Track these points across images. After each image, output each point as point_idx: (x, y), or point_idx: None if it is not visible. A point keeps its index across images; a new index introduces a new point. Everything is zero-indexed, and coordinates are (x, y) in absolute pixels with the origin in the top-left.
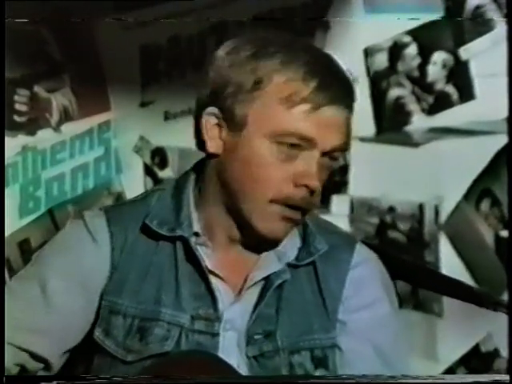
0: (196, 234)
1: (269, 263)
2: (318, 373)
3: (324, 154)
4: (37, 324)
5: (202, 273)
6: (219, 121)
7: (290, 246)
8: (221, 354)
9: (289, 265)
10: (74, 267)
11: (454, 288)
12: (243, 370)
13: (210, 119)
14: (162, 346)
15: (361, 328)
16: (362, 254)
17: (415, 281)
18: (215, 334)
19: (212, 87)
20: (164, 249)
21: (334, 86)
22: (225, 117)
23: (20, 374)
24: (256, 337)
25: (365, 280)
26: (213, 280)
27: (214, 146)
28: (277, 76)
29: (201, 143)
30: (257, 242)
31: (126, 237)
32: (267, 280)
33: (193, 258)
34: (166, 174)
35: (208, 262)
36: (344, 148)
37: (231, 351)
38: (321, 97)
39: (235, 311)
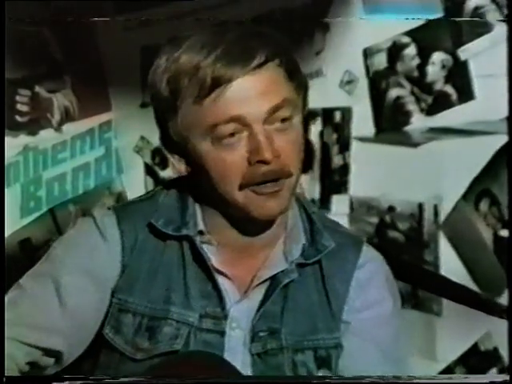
0: (201, 233)
1: (276, 262)
2: (320, 373)
3: (267, 122)
4: (51, 322)
5: (208, 271)
6: (167, 147)
7: (295, 243)
8: (227, 353)
9: (296, 264)
10: (86, 265)
11: (452, 290)
12: (247, 368)
13: (163, 149)
14: (172, 344)
15: (364, 327)
16: (368, 255)
17: (414, 281)
18: (222, 333)
19: (154, 115)
20: (171, 248)
21: (236, 52)
22: (168, 142)
23: (31, 372)
24: (260, 334)
25: (370, 281)
26: (219, 278)
27: (181, 168)
28: (183, 77)
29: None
30: (253, 225)
31: (136, 236)
32: (274, 279)
33: (199, 257)
34: (166, 173)
35: (214, 261)
36: (290, 102)
37: (237, 350)
38: (226, 72)
39: (241, 309)
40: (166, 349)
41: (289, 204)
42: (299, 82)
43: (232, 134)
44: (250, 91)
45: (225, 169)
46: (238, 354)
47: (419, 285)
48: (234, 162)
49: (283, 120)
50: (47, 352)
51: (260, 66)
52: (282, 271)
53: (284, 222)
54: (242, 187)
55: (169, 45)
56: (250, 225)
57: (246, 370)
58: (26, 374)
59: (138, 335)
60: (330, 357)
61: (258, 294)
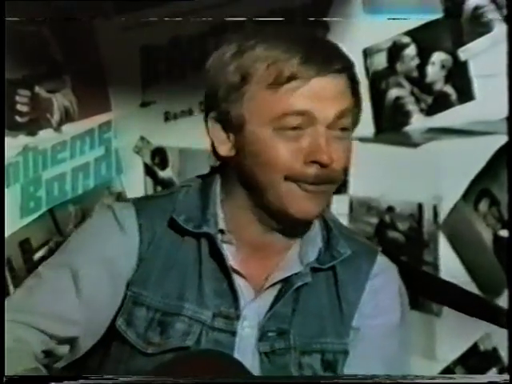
0: (221, 232)
1: (291, 264)
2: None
3: (330, 126)
4: (67, 311)
5: (225, 270)
6: (221, 125)
7: (312, 246)
8: (237, 353)
9: (311, 268)
10: (103, 255)
11: (453, 296)
12: (254, 367)
13: (213, 124)
14: (183, 340)
15: (371, 335)
16: (382, 265)
17: (414, 286)
18: (234, 333)
19: (207, 93)
20: (189, 245)
21: (319, 56)
22: (224, 120)
23: (45, 359)
24: (269, 333)
25: (382, 290)
26: (236, 278)
27: (224, 149)
28: (259, 64)
29: (214, 148)
30: (290, 226)
31: (154, 230)
32: (287, 281)
33: (217, 255)
34: (166, 174)
35: (232, 260)
36: (350, 114)
37: (247, 350)
38: (307, 70)
39: (253, 309)
40: (177, 344)
41: (325, 208)
42: (358, 100)
43: (295, 128)
44: (324, 92)
45: (277, 157)
46: (248, 354)
47: (419, 290)
48: (290, 154)
49: (342, 129)
50: (62, 341)
51: (337, 71)
52: (296, 274)
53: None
54: (287, 179)
55: (236, 34)
56: (284, 222)
57: (254, 369)
58: (42, 364)
59: (150, 329)
60: (337, 361)
61: (270, 295)
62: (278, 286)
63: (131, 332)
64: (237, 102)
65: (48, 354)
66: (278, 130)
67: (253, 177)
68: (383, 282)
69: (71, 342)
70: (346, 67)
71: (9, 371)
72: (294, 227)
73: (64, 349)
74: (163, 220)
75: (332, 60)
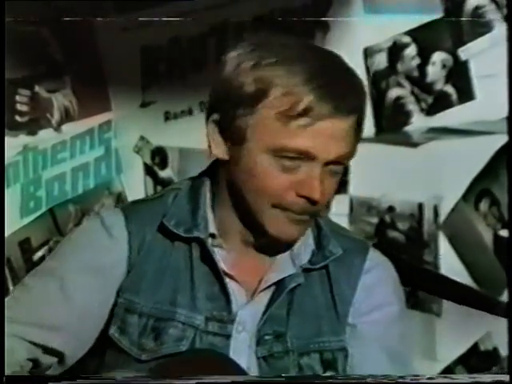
0: (212, 236)
1: (283, 266)
2: (326, 375)
3: (328, 163)
4: (54, 319)
5: (217, 274)
6: (221, 129)
7: (304, 248)
8: (232, 356)
9: (303, 269)
10: (91, 263)
11: (453, 290)
12: (253, 371)
13: (213, 126)
14: (177, 346)
15: (369, 329)
16: (375, 260)
17: (414, 283)
18: (228, 336)
19: (216, 94)
20: (180, 249)
21: (335, 97)
22: (226, 126)
23: (33, 369)
24: (266, 337)
25: (376, 285)
26: (228, 282)
27: (219, 152)
28: (275, 89)
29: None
30: (270, 245)
31: (144, 236)
32: (281, 283)
33: (208, 260)
34: (166, 173)
35: (223, 264)
36: (349, 156)
37: (242, 353)
38: (320, 110)
39: (247, 313)
40: (171, 350)
41: (304, 234)
42: (359, 137)
43: (293, 159)
44: (330, 132)
45: (270, 185)
46: (243, 357)
47: (419, 286)
48: (283, 184)
49: (338, 164)
50: (48, 350)
51: (348, 113)
52: (289, 275)
53: None
54: (274, 206)
55: (258, 45)
56: (266, 243)
57: (252, 373)
58: (28, 372)
59: (143, 336)
60: (336, 359)
61: (264, 298)
62: (272, 289)
63: (125, 340)
64: (245, 116)
65: (35, 362)
66: (276, 158)
67: (241, 194)
68: (376, 276)
69: (58, 352)
70: (359, 107)
71: None
72: (271, 246)
73: (51, 359)
74: (153, 225)
75: (347, 99)
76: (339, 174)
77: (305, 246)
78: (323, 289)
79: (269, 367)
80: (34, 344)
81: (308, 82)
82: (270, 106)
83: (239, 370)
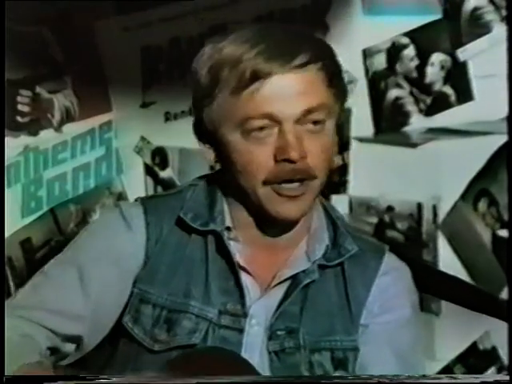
0: (228, 229)
1: (298, 262)
2: (336, 374)
3: (299, 122)
4: (73, 308)
5: (232, 268)
6: (199, 133)
7: (319, 243)
8: (244, 350)
9: (318, 265)
10: (110, 253)
11: (453, 289)
12: (264, 365)
13: (194, 132)
14: (190, 338)
15: (381, 331)
16: (391, 263)
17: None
18: (241, 330)
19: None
20: (196, 242)
21: (281, 54)
22: (200, 128)
23: (51, 356)
24: (278, 332)
25: (390, 287)
26: (242, 275)
27: (208, 156)
28: (223, 70)
29: None
30: (274, 226)
31: (162, 228)
32: (295, 278)
33: (224, 253)
34: (166, 174)
35: (239, 257)
36: (324, 108)
37: (255, 347)
38: (267, 70)
39: (261, 307)
40: (183, 342)
41: (309, 208)
42: (339, 88)
43: (262, 129)
44: (288, 90)
45: (251, 162)
46: (255, 352)
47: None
48: (261, 156)
49: (315, 122)
50: (68, 338)
51: (301, 66)
52: (304, 271)
53: (308, 224)
54: (265, 183)
55: (216, 35)
56: (270, 225)
57: (264, 368)
58: (48, 360)
59: (156, 326)
60: (347, 358)
61: (278, 293)
62: (286, 284)
63: (138, 329)
64: (208, 107)
65: (54, 350)
66: (246, 133)
67: (235, 184)
68: (391, 280)
69: (77, 338)
70: (317, 57)
71: (13, 365)
72: (283, 229)
73: (70, 346)
74: (171, 218)
75: (294, 52)
76: (322, 132)
77: (320, 242)
78: (338, 287)
79: (280, 362)
80: (53, 331)
81: (250, 49)
82: (223, 87)
83: (249, 368)
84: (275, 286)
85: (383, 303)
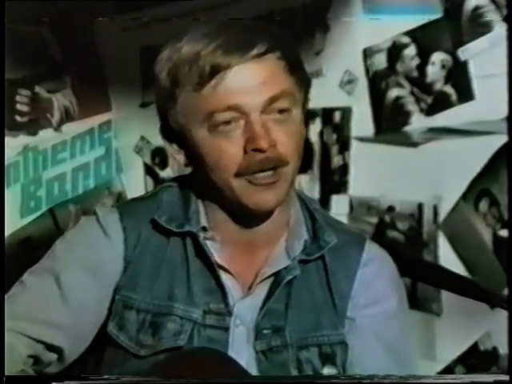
0: (204, 229)
1: (278, 259)
2: (325, 369)
3: (265, 111)
4: (52, 317)
5: (211, 268)
6: (165, 134)
7: (297, 238)
8: (231, 350)
9: (299, 260)
10: (87, 261)
11: (453, 282)
12: (252, 365)
13: (164, 142)
14: (176, 340)
15: (368, 324)
16: (372, 252)
17: (415, 275)
18: (226, 329)
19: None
20: (175, 244)
21: (239, 46)
22: (166, 130)
23: (35, 367)
24: (265, 331)
25: (374, 278)
26: (222, 275)
27: (181, 158)
28: (182, 69)
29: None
30: (251, 218)
31: (139, 232)
32: (277, 276)
33: (202, 253)
34: (166, 173)
35: (217, 257)
36: (287, 95)
37: (241, 346)
38: (226, 62)
39: (245, 306)
40: (169, 345)
41: (285, 196)
42: (300, 76)
43: (228, 122)
44: (249, 80)
45: (220, 156)
46: (242, 351)
47: (420, 278)
48: (230, 149)
49: (281, 111)
50: (48, 347)
51: (259, 55)
52: (285, 268)
53: (286, 220)
54: (238, 175)
55: (172, 38)
56: (247, 217)
57: (251, 367)
58: (29, 368)
59: (141, 332)
60: (335, 353)
61: (261, 291)
62: (269, 282)
63: (123, 336)
64: (173, 109)
65: (36, 359)
66: (212, 127)
67: (207, 181)
68: (375, 270)
69: (57, 349)
70: (275, 47)
71: None
72: (261, 219)
73: (52, 355)
74: (148, 222)
75: (252, 43)
76: (288, 121)
77: (298, 237)
78: (320, 282)
79: (268, 361)
80: (34, 339)
81: (208, 45)
82: (185, 86)
83: (238, 368)
84: (258, 284)
85: (368, 295)
